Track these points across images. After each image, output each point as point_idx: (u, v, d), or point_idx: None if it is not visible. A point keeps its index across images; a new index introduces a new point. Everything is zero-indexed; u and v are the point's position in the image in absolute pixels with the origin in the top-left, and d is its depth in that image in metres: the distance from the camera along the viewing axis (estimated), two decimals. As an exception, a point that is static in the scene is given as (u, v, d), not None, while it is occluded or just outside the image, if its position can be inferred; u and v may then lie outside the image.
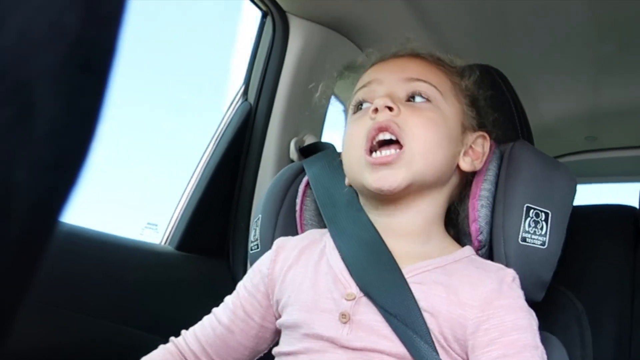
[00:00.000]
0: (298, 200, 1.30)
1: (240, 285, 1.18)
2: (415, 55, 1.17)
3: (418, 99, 1.09)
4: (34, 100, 0.33)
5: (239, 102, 1.83)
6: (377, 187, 1.05)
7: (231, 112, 1.82)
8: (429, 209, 1.10)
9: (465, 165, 1.13)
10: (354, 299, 1.02)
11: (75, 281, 1.45)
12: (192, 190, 1.76)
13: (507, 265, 1.10)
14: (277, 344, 1.12)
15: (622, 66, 2.09)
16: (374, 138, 1.06)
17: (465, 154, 1.13)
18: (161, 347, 1.17)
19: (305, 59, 1.75)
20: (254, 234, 1.34)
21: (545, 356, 1.00)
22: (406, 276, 1.03)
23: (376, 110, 1.06)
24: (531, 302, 1.17)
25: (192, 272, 1.71)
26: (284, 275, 1.12)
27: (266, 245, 1.26)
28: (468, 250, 1.11)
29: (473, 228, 1.17)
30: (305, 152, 1.69)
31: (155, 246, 1.76)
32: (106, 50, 0.36)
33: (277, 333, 1.14)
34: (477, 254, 1.13)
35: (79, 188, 0.37)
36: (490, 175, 1.18)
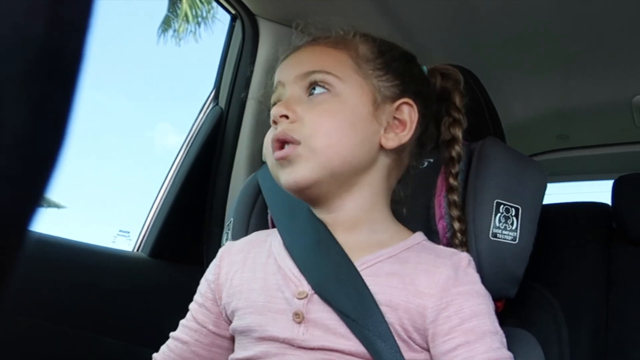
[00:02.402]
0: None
1: (192, 302, 1.16)
2: (313, 42, 1.12)
3: (317, 89, 1.05)
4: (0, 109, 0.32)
5: (210, 107, 1.82)
6: (286, 184, 1.03)
7: (202, 117, 1.82)
8: (363, 197, 1.06)
9: (389, 142, 1.06)
10: (306, 297, 1.00)
11: (47, 290, 1.44)
12: (165, 196, 1.75)
13: (479, 261, 1.10)
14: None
15: (590, 64, 2.11)
16: (278, 149, 1.04)
17: (388, 129, 1.07)
18: None
19: (276, 62, 1.75)
20: (226, 237, 1.33)
21: (504, 340, 0.99)
22: (359, 268, 1.01)
23: (275, 121, 1.05)
24: (505, 299, 1.18)
25: (166, 278, 1.70)
26: (230, 280, 1.09)
27: None
28: (419, 236, 1.09)
29: (440, 225, 1.16)
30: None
31: (128, 253, 1.75)
32: (73, 57, 0.35)
33: (234, 342, 1.12)
34: None
35: (47, 197, 0.36)
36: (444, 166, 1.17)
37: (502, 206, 1.13)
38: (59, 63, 0.35)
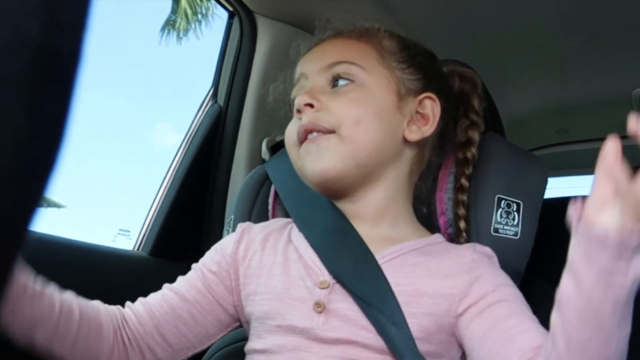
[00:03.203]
0: (270, 200, 1.29)
1: (198, 264, 1.12)
2: (337, 35, 1.13)
3: (341, 82, 1.06)
4: None
5: (209, 105, 1.82)
6: (312, 173, 1.03)
7: (201, 114, 1.81)
8: (387, 190, 1.07)
9: (412, 135, 1.07)
10: (327, 286, 0.99)
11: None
12: (164, 194, 1.74)
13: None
14: (246, 339, 1.07)
15: (588, 58, 2.11)
16: (303, 141, 1.04)
17: (411, 122, 1.08)
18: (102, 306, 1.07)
19: (274, 59, 1.74)
20: (227, 234, 1.32)
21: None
22: (380, 261, 1.01)
23: (299, 110, 1.05)
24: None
25: (167, 277, 1.68)
26: (249, 260, 1.07)
27: None
28: (439, 237, 1.10)
29: (441, 221, 1.17)
30: (277, 150, 1.68)
31: (128, 252, 1.74)
32: (70, 58, 0.35)
33: (224, 328, 1.08)
34: None
35: (46, 197, 0.36)
36: (456, 168, 1.18)
37: (503, 201, 1.13)
38: (56, 63, 0.35)
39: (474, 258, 1.01)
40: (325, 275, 1.00)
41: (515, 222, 1.12)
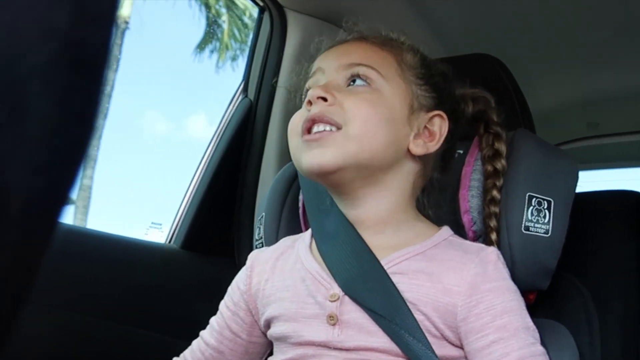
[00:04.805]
0: (300, 197, 1.30)
1: (222, 304, 1.18)
2: (361, 38, 1.13)
3: (358, 82, 1.06)
4: (25, 101, 0.33)
5: (239, 99, 1.83)
6: (309, 166, 1.03)
7: (232, 109, 1.82)
8: (388, 198, 1.07)
9: (417, 148, 1.07)
10: (337, 299, 1.00)
11: (79, 282, 1.46)
12: (195, 188, 1.76)
13: (511, 254, 1.11)
14: (271, 353, 1.11)
15: (619, 51, 2.09)
16: (309, 130, 1.04)
17: (417, 136, 1.08)
18: None
19: (304, 54, 1.75)
20: (259, 232, 1.34)
21: (537, 335, 0.99)
22: (386, 267, 1.02)
23: (310, 102, 1.05)
24: (537, 290, 1.18)
25: (198, 270, 1.71)
26: (262, 290, 1.11)
27: (271, 244, 1.26)
28: (446, 231, 1.09)
29: (465, 219, 1.17)
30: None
31: (160, 245, 1.76)
32: (97, 49, 0.36)
33: (268, 345, 1.14)
34: None
35: (75, 188, 0.36)
36: (480, 165, 1.18)
37: (534, 199, 1.12)
38: (83, 55, 0.35)
39: (477, 272, 1.00)
40: (335, 288, 1.02)
41: (546, 220, 1.12)
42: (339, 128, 1.02)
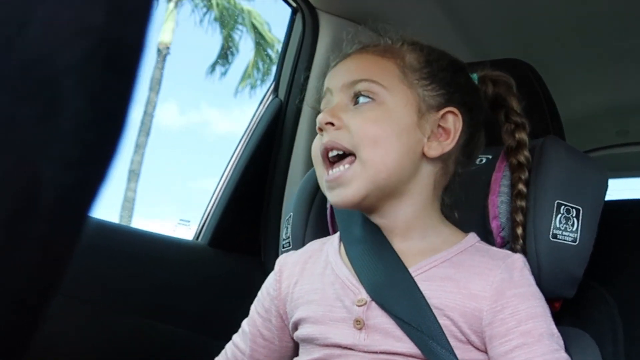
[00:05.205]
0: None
1: (253, 309, 1.19)
2: (362, 50, 1.13)
3: (361, 99, 1.06)
4: (60, 96, 0.33)
5: (270, 99, 1.84)
6: (334, 203, 1.07)
7: (262, 108, 1.84)
8: (413, 204, 1.08)
9: (432, 151, 1.06)
10: (365, 304, 1.02)
11: (106, 276, 1.47)
12: (224, 186, 1.77)
13: (538, 261, 1.10)
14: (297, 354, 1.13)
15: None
16: (326, 157, 1.06)
17: (431, 138, 1.07)
18: None
19: (336, 55, 1.75)
20: (286, 232, 1.35)
21: (561, 342, 1.00)
22: (414, 274, 1.03)
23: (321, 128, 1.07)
24: (563, 299, 1.18)
25: (225, 268, 1.72)
26: (291, 293, 1.12)
27: (298, 244, 1.27)
28: (472, 238, 1.10)
29: (494, 225, 1.17)
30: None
31: (188, 242, 1.78)
32: (132, 47, 0.36)
33: (297, 349, 1.15)
34: None
35: (107, 184, 0.37)
36: (509, 171, 1.18)
37: (562, 207, 1.12)
38: (118, 52, 0.35)
39: (504, 278, 1.01)
40: (363, 294, 1.03)
41: (574, 228, 1.12)
42: (351, 154, 1.03)
